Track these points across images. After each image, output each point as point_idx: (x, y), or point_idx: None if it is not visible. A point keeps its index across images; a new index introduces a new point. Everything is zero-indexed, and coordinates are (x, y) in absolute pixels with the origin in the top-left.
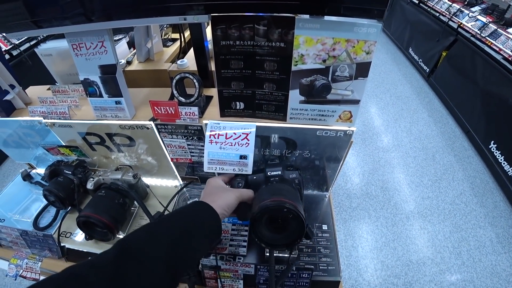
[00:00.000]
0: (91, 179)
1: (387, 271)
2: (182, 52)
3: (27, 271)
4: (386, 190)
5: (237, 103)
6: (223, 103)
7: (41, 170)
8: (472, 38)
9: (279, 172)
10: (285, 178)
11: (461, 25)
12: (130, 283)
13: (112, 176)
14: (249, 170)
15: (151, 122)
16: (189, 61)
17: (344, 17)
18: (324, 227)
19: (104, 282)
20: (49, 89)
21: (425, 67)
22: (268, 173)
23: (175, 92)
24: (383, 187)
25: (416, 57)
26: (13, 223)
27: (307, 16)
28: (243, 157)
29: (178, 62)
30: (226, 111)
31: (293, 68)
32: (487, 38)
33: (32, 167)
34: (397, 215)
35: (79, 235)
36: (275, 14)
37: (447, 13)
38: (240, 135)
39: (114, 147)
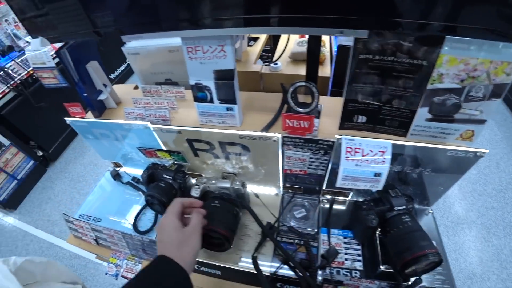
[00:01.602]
0: (196, 186)
1: None
2: (267, 52)
3: (128, 272)
4: (447, 197)
5: (360, 116)
6: (346, 115)
7: (128, 170)
8: None
9: (404, 207)
10: (411, 215)
11: None
12: None
13: (220, 185)
14: (379, 187)
15: (279, 135)
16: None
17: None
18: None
19: None
20: (135, 87)
21: None
22: (395, 208)
23: (290, 100)
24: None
25: None
26: (109, 224)
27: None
28: (377, 174)
29: (272, 65)
30: (346, 123)
31: (429, 86)
32: None
33: (117, 165)
34: (458, 224)
35: None
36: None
37: None
38: (377, 153)
39: (223, 154)
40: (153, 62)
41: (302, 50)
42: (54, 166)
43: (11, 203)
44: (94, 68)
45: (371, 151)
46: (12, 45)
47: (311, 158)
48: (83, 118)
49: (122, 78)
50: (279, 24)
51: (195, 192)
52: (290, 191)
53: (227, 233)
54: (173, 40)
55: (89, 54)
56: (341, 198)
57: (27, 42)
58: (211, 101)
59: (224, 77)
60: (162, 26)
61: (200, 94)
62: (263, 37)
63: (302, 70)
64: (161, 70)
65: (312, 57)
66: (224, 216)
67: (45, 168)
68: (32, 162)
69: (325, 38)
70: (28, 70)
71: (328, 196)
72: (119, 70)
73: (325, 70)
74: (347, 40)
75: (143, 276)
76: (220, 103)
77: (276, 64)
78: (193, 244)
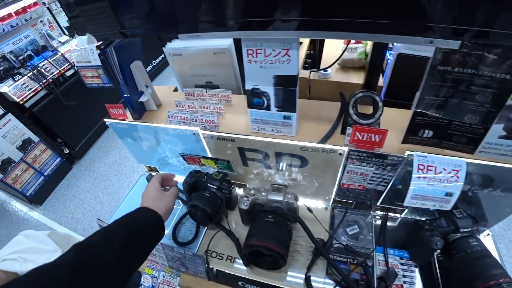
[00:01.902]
0: (245, 198)
1: None
2: (310, 58)
3: (164, 284)
4: None
5: (426, 131)
6: (412, 129)
7: None
8: None
9: (470, 229)
10: (477, 238)
11: None
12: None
13: (271, 197)
14: (449, 207)
15: (345, 148)
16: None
17: None
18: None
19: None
20: (175, 90)
21: None
22: (461, 229)
23: (352, 111)
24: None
25: None
26: None
27: None
28: (448, 194)
29: (322, 71)
30: (410, 138)
31: (508, 102)
32: None
33: (151, 170)
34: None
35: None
36: None
37: None
38: (450, 172)
39: (276, 165)
40: (195, 64)
41: (352, 56)
42: (79, 164)
43: (37, 199)
44: (138, 68)
45: (444, 169)
46: (45, 45)
47: (374, 173)
48: (125, 120)
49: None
50: (361, 29)
51: (244, 205)
52: (339, 205)
53: (282, 250)
54: (219, 41)
55: (133, 53)
56: (392, 214)
57: (60, 42)
58: (268, 108)
59: (285, 83)
60: (223, 25)
61: (256, 100)
62: (306, 41)
63: (353, 78)
64: (203, 73)
65: (375, 65)
66: (278, 233)
67: (70, 166)
68: (58, 159)
69: None
70: (60, 69)
71: (380, 212)
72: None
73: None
74: (409, 49)
75: (125, 219)
76: (278, 110)
77: (326, 70)
78: (167, 200)
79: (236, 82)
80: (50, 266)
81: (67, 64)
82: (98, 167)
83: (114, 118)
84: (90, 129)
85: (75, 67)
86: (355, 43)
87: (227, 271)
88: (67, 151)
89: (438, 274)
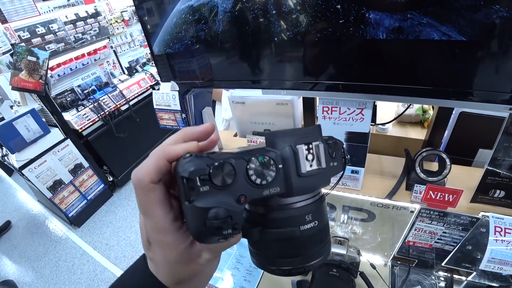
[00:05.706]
0: None
1: None
2: None
3: None
4: None
5: (498, 191)
6: (482, 189)
7: None
8: None
9: None
10: None
11: None
12: None
13: (333, 250)
14: None
15: (417, 206)
16: None
17: None
18: None
19: None
20: (235, 135)
21: None
22: None
23: (418, 168)
24: None
25: None
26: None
27: None
28: None
29: (380, 126)
30: (480, 197)
31: None
32: None
33: None
34: None
35: None
36: None
37: None
38: None
39: (341, 218)
40: (256, 111)
41: (410, 112)
42: (120, 193)
43: (77, 221)
44: (208, 114)
45: None
46: (108, 81)
47: (444, 232)
48: None
49: None
50: (444, 96)
51: None
52: (398, 262)
53: None
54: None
55: (205, 101)
56: (456, 276)
57: (120, 80)
58: None
59: (357, 139)
60: (306, 86)
61: None
62: None
63: (411, 133)
64: (262, 120)
65: (441, 123)
66: None
67: (111, 193)
68: (102, 185)
69: None
70: (116, 104)
71: (443, 273)
72: None
73: None
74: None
75: None
76: (348, 165)
77: (383, 125)
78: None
79: None
80: None
81: (123, 100)
82: None
83: None
84: (134, 160)
85: (155, 109)
86: None
87: None
88: (111, 178)
89: None
